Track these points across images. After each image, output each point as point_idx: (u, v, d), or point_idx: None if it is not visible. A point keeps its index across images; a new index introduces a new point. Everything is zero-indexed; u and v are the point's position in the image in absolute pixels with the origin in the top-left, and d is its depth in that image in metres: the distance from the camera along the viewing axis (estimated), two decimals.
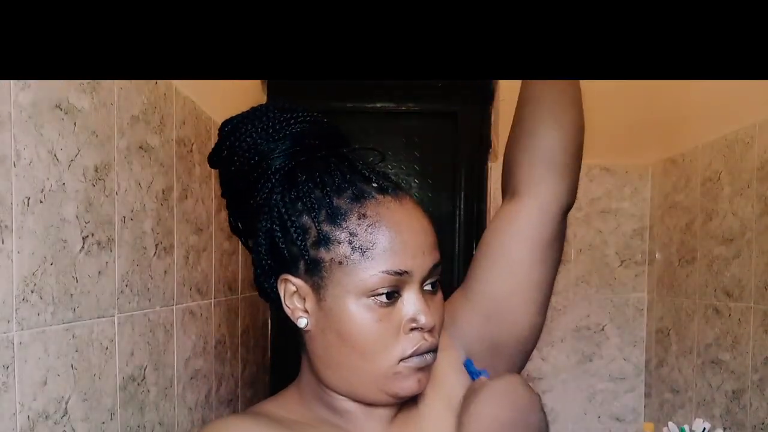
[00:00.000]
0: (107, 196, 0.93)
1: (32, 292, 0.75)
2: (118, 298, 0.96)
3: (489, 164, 2.13)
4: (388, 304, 0.60)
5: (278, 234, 0.62)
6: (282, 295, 0.63)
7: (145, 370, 1.07)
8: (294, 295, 0.62)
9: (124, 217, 0.98)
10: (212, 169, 1.48)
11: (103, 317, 0.92)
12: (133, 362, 1.02)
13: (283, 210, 0.61)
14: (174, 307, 1.21)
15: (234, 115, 0.66)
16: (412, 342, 0.60)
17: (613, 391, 2.09)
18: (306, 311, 0.62)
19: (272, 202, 0.62)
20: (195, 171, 1.32)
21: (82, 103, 0.86)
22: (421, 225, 0.62)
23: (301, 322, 0.62)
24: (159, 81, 1.12)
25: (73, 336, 0.84)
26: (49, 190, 0.78)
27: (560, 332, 2.09)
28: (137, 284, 1.04)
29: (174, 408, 1.20)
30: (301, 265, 0.61)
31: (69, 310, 0.83)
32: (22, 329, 0.73)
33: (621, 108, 2.03)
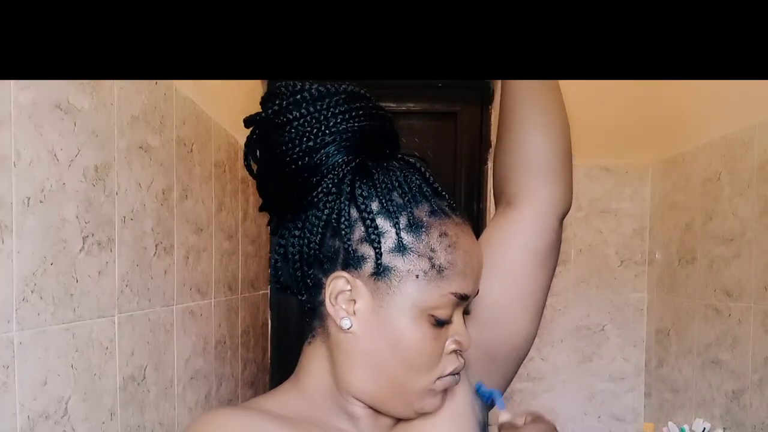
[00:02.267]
0: (107, 196, 0.93)
1: (32, 292, 0.75)
2: (118, 298, 0.96)
3: (489, 164, 2.13)
4: (443, 324, 0.60)
5: (344, 229, 0.58)
6: (328, 291, 0.60)
7: (145, 370, 1.07)
8: (342, 294, 0.59)
9: (124, 217, 0.98)
10: (212, 169, 1.48)
11: (103, 317, 0.92)
12: (133, 362, 1.02)
13: (363, 207, 0.58)
14: (174, 307, 1.21)
15: (288, 82, 0.60)
16: (452, 363, 0.61)
17: (613, 391, 2.09)
18: (353, 313, 0.59)
19: (341, 194, 0.58)
20: (195, 171, 1.32)
21: (82, 103, 0.86)
22: (479, 252, 0.63)
23: (345, 323, 0.59)
24: (159, 81, 1.12)
25: (73, 336, 0.84)
26: (49, 190, 0.78)
27: (560, 332, 2.09)
28: (137, 284, 1.04)
29: (174, 408, 1.20)
30: (368, 267, 0.58)
31: (69, 310, 0.83)
32: (22, 329, 0.73)
33: (621, 108, 2.03)
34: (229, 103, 1.63)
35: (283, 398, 0.65)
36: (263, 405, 0.63)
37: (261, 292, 2.00)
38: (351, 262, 0.59)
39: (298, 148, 0.58)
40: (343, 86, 0.60)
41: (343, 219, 0.58)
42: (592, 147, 2.05)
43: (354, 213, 0.59)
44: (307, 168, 0.59)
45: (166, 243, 1.16)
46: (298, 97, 0.59)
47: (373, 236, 0.58)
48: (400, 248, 0.58)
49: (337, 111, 0.59)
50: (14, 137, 0.71)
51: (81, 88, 0.85)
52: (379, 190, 0.59)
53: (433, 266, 0.58)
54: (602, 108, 2.03)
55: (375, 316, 0.59)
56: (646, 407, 2.08)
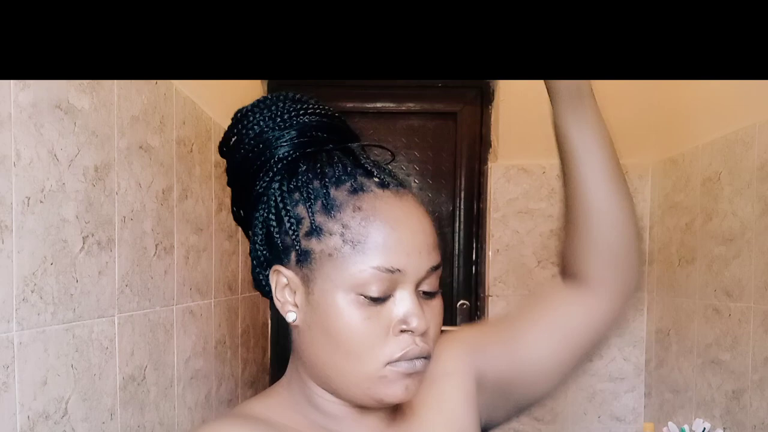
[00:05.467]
0: (107, 196, 0.93)
1: (32, 292, 0.75)
2: (118, 298, 0.96)
3: (489, 164, 2.13)
4: (377, 303, 0.57)
5: (273, 223, 0.60)
6: (273, 287, 0.61)
7: (145, 370, 1.07)
8: (285, 288, 0.61)
9: (124, 217, 0.98)
10: (212, 169, 1.48)
11: (103, 317, 0.92)
12: (133, 362, 1.02)
13: (279, 199, 0.60)
14: (174, 307, 1.21)
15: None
16: (401, 345, 0.57)
17: (613, 391, 2.09)
18: (296, 305, 0.60)
19: (270, 191, 0.61)
20: (195, 171, 1.32)
21: (82, 103, 0.86)
22: (420, 224, 0.60)
23: (290, 317, 0.60)
24: (159, 81, 1.12)
25: (73, 336, 0.84)
26: (49, 190, 0.78)
27: None
28: (137, 284, 1.04)
29: (174, 408, 1.20)
30: (293, 256, 0.59)
31: (69, 310, 0.83)
32: (22, 329, 0.73)
33: (621, 108, 2.03)
34: (229, 103, 1.63)
35: (274, 403, 0.64)
36: (257, 411, 0.63)
37: None
38: (282, 256, 0.60)
39: (242, 165, 0.62)
40: (290, 93, 0.64)
41: (272, 216, 0.60)
42: None
43: (280, 208, 0.60)
44: (249, 179, 0.62)
45: (166, 243, 1.16)
46: (245, 119, 0.63)
47: (288, 224, 0.59)
48: (314, 231, 0.58)
49: (285, 108, 0.62)
50: (14, 137, 0.71)
51: (81, 88, 0.85)
52: (300, 182, 0.60)
53: (345, 242, 0.57)
54: (602, 108, 2.03)
55: (308, 304, 0.59)
56: (646, 407, 2.08)
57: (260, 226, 0.62)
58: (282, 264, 0.60)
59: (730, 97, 1.60)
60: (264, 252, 0.62)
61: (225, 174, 0.67)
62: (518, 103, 2.08)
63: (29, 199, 0.74)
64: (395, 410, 0.67)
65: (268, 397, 0.66)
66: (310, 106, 0.63)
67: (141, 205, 1.05)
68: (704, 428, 1.54)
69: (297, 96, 0.64)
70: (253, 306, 1.89)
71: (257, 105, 0.64)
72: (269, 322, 2.13)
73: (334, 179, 0.59)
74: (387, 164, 0.65)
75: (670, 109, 1.93)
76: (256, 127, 0.62)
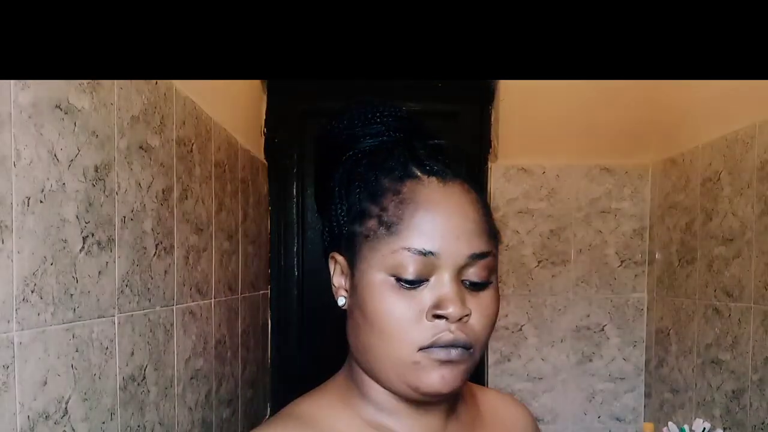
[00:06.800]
0: (107, 196, 0.93)
1: (32, 292, 0.75)
2: (118, 298, 0.96)
3: (489, 164, 2.13)
4: (412, 287, 0.57)
5: (332, 213, 0.64)
6: (332, 272, 0.64)
7: (145, 370, 1.07)
8: (340, 274, 0.63)
9: (125, 217, 0.98)
10: (212, 169, 1.48)
11: (104, 317, 0.92)
12: (133, 362, 1.02)
13: (338, 189, 0.63)
14: (174, 307, 1.21)
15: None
16: (433, 331, 0.57)
17: (613, 391, 2.09)
18: (346, 290, 0.63)
19: (335, 184, 0.64)
20: (195, 171, 1.32)
21: (82, 103, 0.86)
22: (461, 209, 0.59)
23: (340, 301, 0.63)
24: (159, 81, 1.12)
25: (73, 336, 0.84)
26: (49, 190, 0.78)
27: (560, 332, 2.09)
28: (137, 284, 1.04)
29: (174, 408, 1.20)
30: (343, 242, 0.62)
31: (69, 310, 0.83)
32: (22, 329, 0.73)
33: (621, 108, 2.03)
34: (229, 103, 1.63)
35: (326, 398, 0.65)
36: (305, 409, 0.63)
37: (261, 292, 2.00)
38: (336, 242, 0.64)
39: (322, 149, 0.66)
40: (368, 99, 0.67)
41: (333, 205, 0.64)
42: (592, 147, 2.05)
43: (338, 197, 0.64)
44: (327, 164, 0.66)
45: (166, 243, 1.16)
46: (334, 115, 0.67)
47: (340, 210, 0.62)
48: (358, 215, 0.61)
49: (356, 114, 0.65)
50: (14, 137, 0.71)
51: (81, 88, 0.85)
52: (357, 174, 0.63)
53: (381, 224, 0.58)
54: (602, 108, 2.03)
55: (352, 287, 0.61)
56: (646, 407, 2.08)
57: (326, 216, 0.65)
58: (336, 250, 0.64)
59: (730, 97, 1.60)
60: (327, 239, 0.65)
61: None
62: (518, 103, 2.08)
63: (29, 199, 0.74)
64: (455, 413, 0.67)
65: (320, 394, 0.66)
66: (385, 109, 0.65)
67: (141, 205, 1.05)
68: (704, 428, 1.54)
69: (375, 102, 0.66)
70: (253, 306, 1.89)
71: (339, 113, 0.67)
72: (269, 322, 2.13)
73: (386, 169, 0.61)
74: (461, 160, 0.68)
75: (670, 109, 1.93)
76: (331, 134, 0.66)
